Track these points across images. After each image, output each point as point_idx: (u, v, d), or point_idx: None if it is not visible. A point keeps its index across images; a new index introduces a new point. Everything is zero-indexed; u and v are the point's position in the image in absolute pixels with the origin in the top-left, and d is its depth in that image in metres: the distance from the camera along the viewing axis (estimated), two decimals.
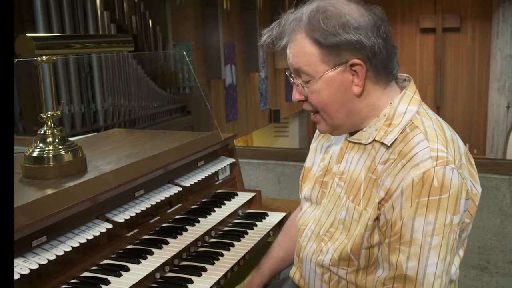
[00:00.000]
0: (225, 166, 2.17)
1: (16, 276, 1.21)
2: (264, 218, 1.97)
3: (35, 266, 1.26)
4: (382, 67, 1.23)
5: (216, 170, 2.09)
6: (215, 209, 1.92)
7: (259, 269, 1.63)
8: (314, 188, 1.44)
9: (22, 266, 1.24)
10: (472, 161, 1.27)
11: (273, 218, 1.98)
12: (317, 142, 1.55)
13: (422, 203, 1.12)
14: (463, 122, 11.55)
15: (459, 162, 1.18)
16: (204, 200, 2.02)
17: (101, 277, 1.41)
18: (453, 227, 1.14)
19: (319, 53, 1.22)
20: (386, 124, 1.25)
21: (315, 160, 1.52)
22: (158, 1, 6.91)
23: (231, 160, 2.21)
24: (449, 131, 1.25)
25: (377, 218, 1.21)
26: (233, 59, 9.18)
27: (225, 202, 2.00)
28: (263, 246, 1.82)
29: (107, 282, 1.39)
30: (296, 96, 1.31)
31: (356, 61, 1.21)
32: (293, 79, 1.31)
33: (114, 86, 5.46)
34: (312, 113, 1.33)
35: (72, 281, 1.40)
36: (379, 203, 1.20)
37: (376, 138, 1.25)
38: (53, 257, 1.31)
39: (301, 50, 1.24)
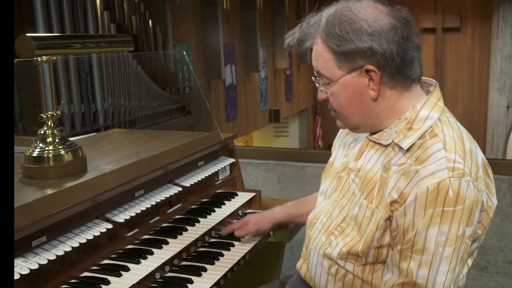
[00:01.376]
0: (225, 166, 2.17)
1: (16, 276, 1.21)
2: None
3: (35, 266, 1.26)
4: (397, 73, 1.24)
5: (216, 170, 2.09)
6: (215, 209, 1.92)
7: (273, 210, 1.83)
8: (332, 183, 1.47)
9: (22, 266, 1.24)
10: (490, 172, 1.27)
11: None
12: (341, 139, 1.57)
13: (437, 213, 1.13)
14: (463, 122, 11.33)
15: (476, 175, 1.18)
16: (204, 200, 2.02)
17: (101, 277, 1.40)
18: (464, 238, 1.15)
19: (334, 58, 1.25)
20: (407, 128, 1.26)
21: (337, 156, 1.54)
22: (158, 1, 6.91)
23: (231, 160, 2.21)
24: (469, 141, 1.25)
25: (388, 219, 1.21)
26: (233, 59, 9.18)
27: (225, 202, 2.00)
28: (263, 246, 1.82)
29: (107, 282, 1.39)
30: (320, 95, 1.35)
31: (370, 67, 1.22)
32: (316, 80, 1.35)
33: (114, 86, 5.46)
34: (332, 110, 1.37)
35: (72, 281, 1.40)
36: (391, 204, 1.20)
37: (395, 141, 1.26)
38: (53, 257, 1.31)
39: (320, 54, 1.28)
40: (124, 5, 6.04)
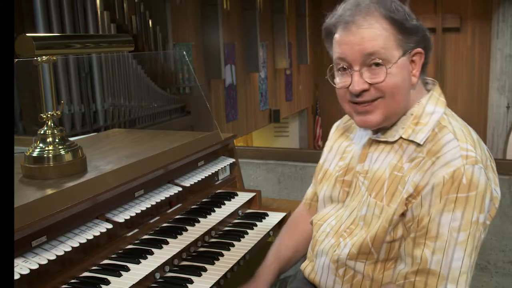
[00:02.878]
0: (225, 166, 2.17)
1: (16, 276, 1.21)
2: (264, 218, 1.96)
3: (35, 266, 1.26)
4: (426, 63, 1.27)
5: (216, 170, 2.09)
6: (215, 209, 1.92)
7: (268, 267, 1.57)
8: (334, 187, 1.44)
9: (22, 266, 1.24)
10: (494, 165, 1.28)
11: (273, 218, 1.97)
12: (334, 141, 1.54)
13: (451, 200, 1.14)
14: None
15: (485, 163, 1.20)
16: (204, 200, 2.02)
17: (101, 277, 1.40)
18: (478, 225, 1.16)
19: (395, 36, 1.22)
20: (414, 123, 1.26)
21: (328, 158, 1.52)
22: (158, 1, 6.91)
23: (231, 160, 2.21)
24: (475, 134, 1.27)
25: (403, 214, 1.21)
26: (233, 59, 9.18)
27: (225, 202, 2.00)
28: (263, 246, 1.82)
29: (107, 282, 1.38)
30: (360, 85, 1.24)
31: (420, 50, 1.24)
32: (358, 67, 1.24)
33: (114, 86, 5.46)
34: (367, 103, 1.27)
35: (72, 281, 1.40)
36: (406, 199, 1.20)
37: (404, 136, 1.26)
38: (53, 257, 1.31)
39: (378, 33, 1.22)
40: (124, 5, 6.04)
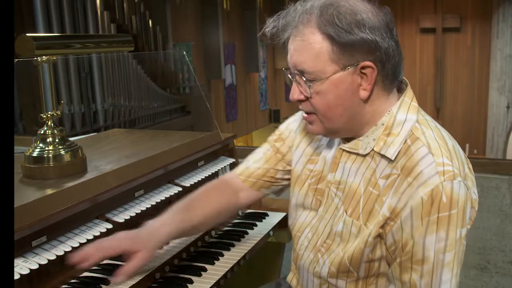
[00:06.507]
0: (225, 166, 2.17)
1: (16, 276, 1.21)
2: (264, 218, 1.96)
3: (35, 266, 1.26)
4: (392, 72, 1.17)
5: (216, 170, 2.09)
6: None
7: (162, 227, 1.39)
8: (307, 195, 1.38)
9: (22, 266, 1.24)
10: (470, 166, 1.23)
11: (273, 218, 1.97)
12: (299, 140, 1.44)
13: (433, 221, 1.09)
14: (463, 122, 11.55)
15: (464, 173, 1.14)
16: None
17: (101, 277, 1.40)
18: (462, 240, 1.12)
19: (329, 51, 1.13)
20: (385, 134, 1.19)
21: (294, 157, 1.43)
22: (158, 1, 6.92)
23: (231, 160, 2.20)
24: (450, 139, 1.20)
25: (379, 236, 1.18)
26: (233, 59, 9.19)
27: None
28: (263, 246, 1.82)
29: (107, 282, 1.38)
30: (295, 95, 1.22)
31: (368, 63, 1.13)
32: (293, 77, 1.21)
33: (114, 86, 5.46)
34: (306, 113, 1.25)
35: (72, 281, 1.39)
36: (384, 221, 1.16)
37: (375, 149, 1.19)
38: (53, 257, 1.31)
39: (309, 46, 1.14)
40: (124, 5, 6.05)
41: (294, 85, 1.22)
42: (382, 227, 1.16)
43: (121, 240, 1.34)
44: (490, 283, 2.64)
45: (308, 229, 1.37)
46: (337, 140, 1.32)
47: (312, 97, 1.19)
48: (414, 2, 11.84)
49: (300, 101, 1.23)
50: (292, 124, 1.52)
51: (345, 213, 1.24)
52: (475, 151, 11.45)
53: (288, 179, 1.51)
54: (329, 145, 1.35)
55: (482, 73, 11.41)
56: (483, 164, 2.42)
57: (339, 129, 1.23)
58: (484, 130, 11.00)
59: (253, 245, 1.74)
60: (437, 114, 11.47)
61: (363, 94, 1.17)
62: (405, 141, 1.16)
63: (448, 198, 1.09)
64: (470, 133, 11.50)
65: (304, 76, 1.17)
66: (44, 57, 1.50)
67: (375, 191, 1.19)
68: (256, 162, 1.56)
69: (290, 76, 1.22)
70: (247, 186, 1.55)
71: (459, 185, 1.10)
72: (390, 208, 1.14)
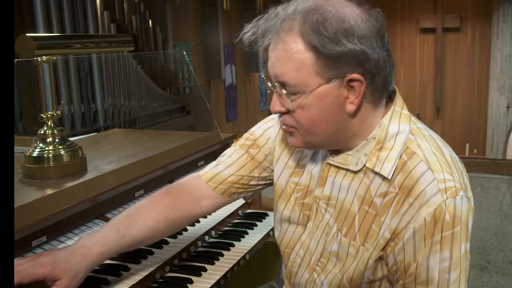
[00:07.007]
0: None
1: None
2: (264, 218, 1.97)
3: None
4: (382, 84, 1.08)
5: None
6: None
7: (95, 246, 1.25)
8: (293, 210, 1.29)
9: None
10: (464, 168, 1.17)
11: (273, 218, 1.97)
12: (283, 150, 1.34)
13: (436, 241, 1.05)
14: (463, 122, 11.54)
15: (464, 184, 1.09)
16: None
17: (101, 277, 1.40)
18: (466, 254, 1.08)
19: (313, 62, 1.03)
20: (377, 149, 1.11)
21: (277, 169, 1.34)
22: (158, 1, 6.91)
23: None
24: (445, 147, 1.13)
25: (380, 258, 1.14)
26: (233, 59, 9.18)
27: None
28: (263, 246, 1.82)
29: (107, 282, 1.38)
30: (276, 107, 1.12)
31: (356, 76, 1.03)
32: (274, 88, 1.11)
33: (114, 86, 5.46)
34: (284, 125, 1.16)
35: None
36: (385, 243, 1.11)
37: (368, 165, 1.11)
38: None
39: (291, 57, 1.04)
40: (124, 5, 6.04)
41: (275, 96, 1.13)
42: (383, 249, 1.12)
43: (42, 265, 1.17)
44: (490, 283, 2.64)
45: (298, 245, 1.29)
46: (321, 152, 1.24)
47: (295, 111, 1.10)
48: (414, 2, 11.83)
49: (282, 114, 1.14)
50: (269, 131, 1.42)
51: (339, 233, 1.18)
52: (475, 151, 11.44)
53: (263, 185, 1.45)
54: (314, 157, 1.26)
55: (482, 73, 11.40)
56: (483, 164, 2.42)
57: (321, 143, 1.15)
58: (484, 130, 10.99)
59: (253, 245, 1.74)
60: (437, 114, 11.48)
61: (350, 108, 1.08)
62: (401, 156, 1.09)
63: (451, 216, 1.04)
64: (470, 133, 11.49)
65: (285, 89, 1.09)
66: (44, 57, 1.50)
67: (371, 210, 1.12)
68: (227, 168, 1.46)
69: (270, 85, 1.13)
70: (216, 194, 1.44)
71: (461, 200, 1.05)
72: (391, 230, 1.09)
